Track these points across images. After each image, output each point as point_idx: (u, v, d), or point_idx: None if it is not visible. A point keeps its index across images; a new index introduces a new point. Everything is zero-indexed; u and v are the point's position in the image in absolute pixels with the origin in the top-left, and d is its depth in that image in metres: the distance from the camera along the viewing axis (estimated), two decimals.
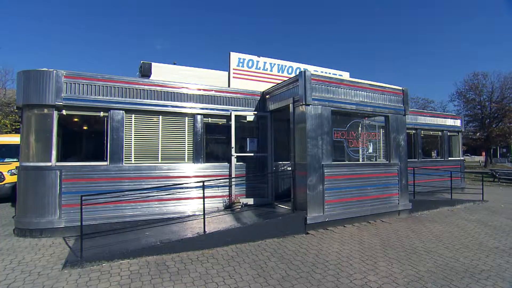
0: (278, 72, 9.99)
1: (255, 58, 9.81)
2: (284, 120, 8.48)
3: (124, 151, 6.55)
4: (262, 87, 8.82)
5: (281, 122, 8.54)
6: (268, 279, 4.31)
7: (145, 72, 8.32)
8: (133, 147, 6.70)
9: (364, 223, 7.31)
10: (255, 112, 7.97)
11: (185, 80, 8.08)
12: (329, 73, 10.85)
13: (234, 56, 9.45)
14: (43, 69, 6.15)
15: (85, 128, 7.52)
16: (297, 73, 9.77)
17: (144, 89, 6.79)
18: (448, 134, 12.56)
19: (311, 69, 10.27)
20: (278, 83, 7.78)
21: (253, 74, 9.80)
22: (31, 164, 6.18)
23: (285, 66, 10.36)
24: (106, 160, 6.42)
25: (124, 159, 6.53)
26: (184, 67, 9.48)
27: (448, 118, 12.84)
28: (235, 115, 7.67)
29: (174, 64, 9.46)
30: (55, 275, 4.36)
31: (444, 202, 9.53)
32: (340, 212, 6.92)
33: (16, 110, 20.15)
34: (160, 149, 6.98)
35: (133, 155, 6.70)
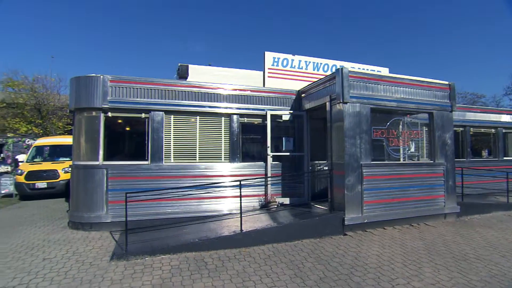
0: (314, 70, 9.82)
1: (289, 56, 9.73)
2: (320, 119, 8.32)
3: (164, 150, 6.85)
4: (297, 85, 8.73)
5: (317, 121, 8.39)
6: (306, 280, 4.26)
7: (182, 74, 8.62)
8: (172, 147, 6.99)
9: (406, 225, 6.95)
10: (291, 111, 7.92)
11: (221, 80, 8.26)
12: (367, 70, 10.46)
13: (269, 56, 9.45)
14: (92, 75, 6.61)
15: (127, 129, 7.96)
16: (333, 70, 9.55)
17: (181, 91, 7.04)
18: (503, 131, 11.50)
19: (348, 66, 9.96)
20: (314, 81, 7.66)
21: (288, 73, 9.74)
22: (82, 163, 6.69)
23: (321, 63, 10.16)
24: (148, 160, 6.76)
25: (164, 159, 6.83)
26: (220, 68, 9.67)
27: (504, 113, 11.74)
28: (271, 115, 7.68)
29: (209, 65, 9.70)
30: (104, 266, 4.68)
31: (498, 206, 8.75)
32: (379, 214, 6.65)
33: (69, 113, 21.82)
34: (197, 148, 7.20)
35: (172, 154, 6.98)
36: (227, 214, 7.06)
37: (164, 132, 6.88)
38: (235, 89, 7.52)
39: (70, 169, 11.11)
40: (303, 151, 7.88)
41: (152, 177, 6.68)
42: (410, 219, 7.02)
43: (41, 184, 11.08)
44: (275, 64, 9.51)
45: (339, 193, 6.49)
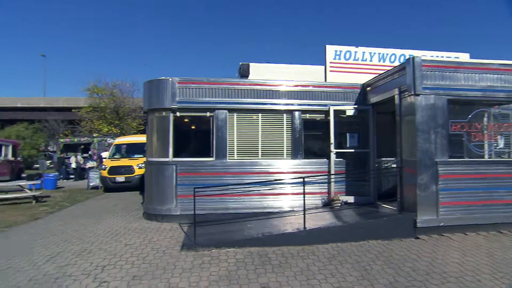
0: (379, 61, 9.24)
1: (352, 49, 9.31)
2: (387, 113, 7.80)
3: (227, 147, 7.12)
4: (361, 79, 8.30)
5: (384, 116, 7.87)
6: (374, 283, 4.04)
7: (244, 73, 8.84)
8: (235, 144, 7.23)
9: (494, 232, 6.12)
10: (355, 106, 7.57)
11: (281, 77, 8.25)
12: (442, 57, 9.46)
13: (330, 49, 9.16)
14: (162, 78, 7.17)
15: (193, 127, 8.46)
16: (402, 60, 8.86)
17: (244, 89, 7.22)
18: None
19: (419, 54, 9.14)
20: (381, 73, 7.20)
21: (351, 66, 9.33)
22: (154, 159, 7.31)
23: (387, 54, 9.52)
24: (212, 156, 7.10)
25: (227, 155, 7.10)
26: (280, 65, 9.69)
27: None
28: (334, 110, 7.43)
29: (267, 63, 9.77)
30: (176, 255, 5.06)
31: None
32: (459, 217, 5.98)
33: (141, 115, 24.05)
34: (260, 145, 7.33)
35: (235, 151, 7.22)
36: (288, 211, 7.05)
37: (227, 129, 7.15)
38: (297, 85, 7.45)
39: (143, 165, 12.27)
40: (368, 147, 7.47)
41: (217, 173, 6.99)
42: (498, 225, 6.17)
43: (120, 179, 12.45)
44: (337, 57, 9.19)
45: (410, 192, 6.01)
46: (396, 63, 8.73)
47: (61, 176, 18.09)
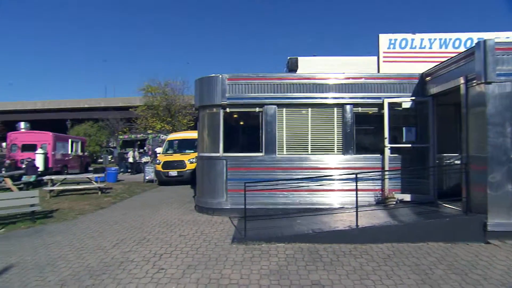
0: (440, 48, 8.47)
1: (409, 36, 8.67)
2: (449, 104, 7.19)
3: (276, 143, 7.13)
4: (419, 69, 7.69)
5: (445, 107, 7.26)
6: None
7: (292, 67, 8.74)
8: (284, 139, 7.20)
9: None
10: (412, 98, 7.06)
11: (331, 70, 8.00)
12: None
13: (384, 38, 8.63)
14: (212, 75, 7.39)
15: (243, 123, 8.59)
16: (468, 46, 8.05)
17: (292, 83, 7.14)
18: None
19: (491, 36, 8.19)
20: (443, 61, 6.60)
21: (407, 55, 8.70)
22: (205, 154, 7.60)
23: (450, 39, 8.67)
24: (262, 152, 7.16)
25: (277, 151, 7.11)
26: (329, 57, 9.39)
27: None
28: (388, 103, 7.02)
29: (314, 56, 9.53)
30: (227, 247, 5.22)
31: None
32: None
33: (192, 111, 25.17)
34: (309, 140, 7.22)
35: (285, 146, 7.20)
36: (339, 208, 6.87)
37: (277, 125, 7.15)
38: (348, 78, 7.17)
39: (194, 160, 12.83)
40: (427, 142, 6.93)
41: (266, 168, 7.05)
42: None
43: (173, 173, 13.18)
44: (392, 46, 8.64)
45: (479, 192, 5.45)
46: (462, 49, 7.93)
47: (121, 170, 19.73)
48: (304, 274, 4.19)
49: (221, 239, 5.63)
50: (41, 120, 40.01)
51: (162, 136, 20.12)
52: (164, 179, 13.39)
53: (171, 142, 15.27)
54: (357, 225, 5.40)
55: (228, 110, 7.34)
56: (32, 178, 13.26)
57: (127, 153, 20.50)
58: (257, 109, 7.25)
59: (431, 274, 4.15)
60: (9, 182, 11.96)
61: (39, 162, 15.65)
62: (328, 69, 8.21)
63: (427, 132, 6.96)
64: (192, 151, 13.76)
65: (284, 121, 7.23)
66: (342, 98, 7.12)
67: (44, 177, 12.92)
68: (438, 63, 6.75)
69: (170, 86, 28.15)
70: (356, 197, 5.56)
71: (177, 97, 27.81)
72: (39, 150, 16.56)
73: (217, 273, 4.26)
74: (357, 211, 5.49)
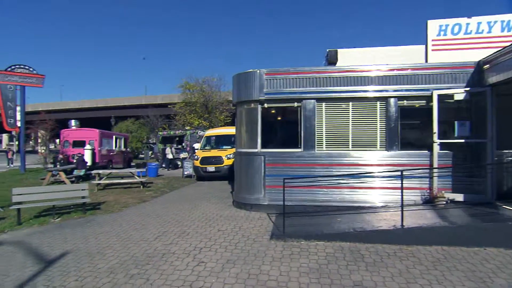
0: (502, 31, 7.72)
1: (463, 20, 8.03)
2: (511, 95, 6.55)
3: (316, 138, 7.02)
4: (474, 56, 7.13)
5: (507, 98, 6.63)
6: None
7: (332, 60, 8.53)
8: (324, 134, 7.06)
9: None
10: (467, 89, 6.54)
11: (373, 61, 7.70)
12: None
13: (433, 25, 8.09)
14: (250, 70, 7.43)
15: (280, 118, 8.56)
16: None
17: (332, 77, 6.97)
18: None
19: None
20: (506, 46, 6.00)
21: (460, 41, 8.09)
22: (243, 150, 7.69)
23: None
24: (300, 147, 7.09)
25: (316, 146, 7.00)
26: (371, 48, 9.03)
27: None
28: (438, 95, 6.58)
29: (354, 47, 9.19)
30: (265, 244, 5.26)
31: None
32: None
33: (228, 108, 25.72)
34: (350, 136, 7.00)
35: (324, 142, 7.06)
36: (381, 207, 6.61)
37: (316, 120, 7.03)
38: (392, 69, 6.82)
39: (231, 155, 13.06)
40: (485, 137, 6.39)
41: (305, 164, 6.97)
42: None
43: (211, 168, 13.51)
44: (442, 33, 8.08)
45: None
46: None
47: (163, 165, 20.68)
48: (345, 274, 4.10)
49: (259, 235, 5.68)
50: (89, 118, 43.19)
51: (199, 132, 20.70)
52: (202, 175, 13.78)
53: (208, 138, 15.66)
54: (402, 225, 5.16)
55: (266, 105, 7.35)
56: (82, 172, 14.38)
57: (165, 149, 21.40)
58: (295, 104, 7.17)
59: (490, 282, 3.85)
60: (63, 176, 13.07)
61: (88, 157, 16.89)
62: (369, 61, 7.91)
63: (484, 126, 6.42)
64: (230, 147, 14.01)
65: (324, 116, 7.08)
66: (386, 91, 6.80)
67: (92, 171, 13.95)
68: (500, 49, 6.15)
69: (207, 82, 28.89)
70: (402, 195, 5.30)
71: (214, 93, 28.48)
72: (87, 146, 17.88)
73: (256, 269, 4.31)
74: (402, 210, 5.25)
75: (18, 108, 19.81)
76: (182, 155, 19.39)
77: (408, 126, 6.98)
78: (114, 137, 21.92)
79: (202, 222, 6.66)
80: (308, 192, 6.92)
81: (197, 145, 17.35)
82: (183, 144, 21.75)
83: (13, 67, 19.04)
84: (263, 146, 7.36)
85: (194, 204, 8.57)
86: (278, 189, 6.85)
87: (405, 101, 6.82)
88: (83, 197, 7.99)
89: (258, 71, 7.27)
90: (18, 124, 20.03)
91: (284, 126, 7.88)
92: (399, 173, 5.57)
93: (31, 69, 19.43)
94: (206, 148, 15.03)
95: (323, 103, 7.05)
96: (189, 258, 4.75)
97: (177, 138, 22.73)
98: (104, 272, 4.36)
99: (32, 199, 7.68)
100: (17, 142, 39.17)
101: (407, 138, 6.94)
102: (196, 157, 14.32)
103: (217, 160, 13.51)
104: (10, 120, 20.06)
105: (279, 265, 4.41)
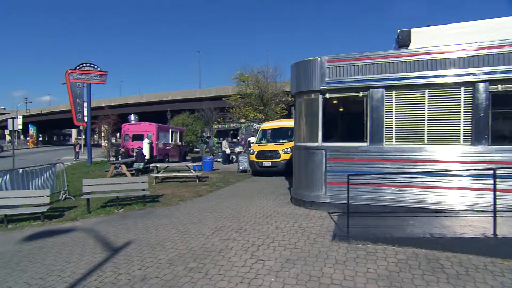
0: None
1: None
2: None
3: (384, 131, 6.63)
4: None
5: None
6: None
7: (404, 42, 7.94)
8: (393, 126, 6.63)
9: None
10: None
11: (454, 41, 6.97)
12: None
13: None
14: (310, 58, 7.28)
15: (343, 109, 8.26)
16: None
17: (404, 61, 6.48)
18: None
19: None
20: None
21: None
22: (303, 144, 7.61)
23: None
24: (366, 141, 6.77)
25: (384, 140, 6.62)
26: (451, 25, 8.24)
27: None
28: None
29: (429, 25, 8.44)
30: (327, 244, 5.16)
31: None
32: None
33: (284, 99, 25.62)
34: (425, 128, 6.46)
35: (394, 135, 6.63)
36: (464, 210, 6.02)
37: (384, 110, 6.63)
38: (481, 47, 6.06)
39: (289, 150, 13.05)
40: None
41: (371, 159, 6.65)
42: None
43: (267, 163, 13.66)
44: None
45: None
46: None
47: (218, 159, 21.51)
48: (421, 285, 3.83)
49: (320, 235, 5.60)
50: (146, 112, 46.64)
51: (255, 125, 21.02)
52: (258, 169, 14.01)
53: (264, 132, 15.82)
54: (495, 233, 4.64)
55: (327, 95, 7.14)
56: (141, 165, 15.61)
57: (221, 143, 22.15)
58: (361, 93, 6.85)
59: None
60: (124, 168, 14.35)
61: (146, 151, 18.26)
62: (450, 41, 7.18)
63: None
64: (287, 141, 14.01)
65: (394, 105, 6.63)
66: (473, 74, 6.09)
67: (150, 165, 15.07)
68: None
69: (262, 73, 29.13)
70: (494, 198, 4.75)
71: (270, 84, 28.60)
72: (145, 140, 19.34)
73: (317, 271, 4.26)
74: (495, 216, 4.71)
75: (85, 104, 22.21)
76: (237, 149, 19.90)
77: (502, 116, 6.19)
78: (170, 130, 23.35)
79: (259, 219, 6.78)
80: (374, 191, 6.60)
81: (252, 139, 17.66)
82: (238, 137, 22.28)
83: (80, 66, 21.37)
84: (324, 140, 7.19)
85: (250, 200, 8.76)
86: (341, 187, 6.66)
87: (499, 85, 6.00)
88: (143, 190, 8.68)
89: (319, 58, 7.09)
90: (85, 119, 22.48)
91: (348, 118, 7.59)
92: (490, 171, 5.00)
93: (95, 66, 21.60)
94: (262, 142, 15.22)
95: (393, 92, 6.60)
96: (247, 254, 4.87)
97: (231, 132, 23.36)
98: (165, 263, 4.68)
99: (99, 190, 8.59)
100: (84, 136, 44.10)
101: (500, 131, 6.16)
102: (251, 151, 14.59)
103: (274, 154, 13.59)
104: (79, 116, 22.62)
105: (343, 269, 4.30)
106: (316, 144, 7.22)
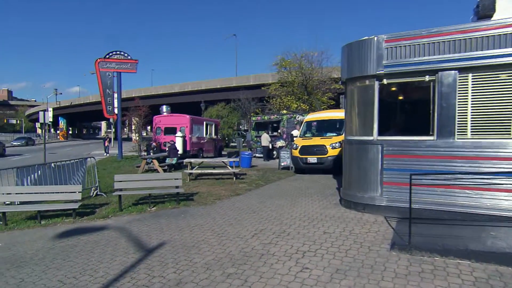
0: None
1: None
2: None
3: (456, 122, 6.18)
4: None
5: None
6: None
7: (486, 11, 7.31)
8: (469, 117, 6.13)
9: None
10: None
11: None
12: None
13: None
14: (364, 38, 7.00)
15: (401, 97, 7.90)
16: None
17: (486, 36, 5.89)
18: None
19: None
20: None
21: None
22: (355, 138, 7.39)
23: None
24: (432, 134, 6.40)
25: (456, 133, 6.18)
26: None
27: None
28: None
29: None
30: (384, 255, 4.97)
31: None
32: None
33: (333, 87, 25.00)
34: None
35: (469, 127, 6.15)
36: None
37: (457, 97, 6.16)
38: None
39: (337, 144, 12.79)
40: None
41: (438, 156, 6.27)
42: None
43: (312, 159, 13.49)
44: None
45: None
46: None
47: (259, 155, 21.65)
48: None
49: (375, 243, 5.42)
50: (179, 103, 48.07)
51: (298, 117, 20.83)
52: (301, 167, 13.90)
53: (309, 124, 15.63)
54: None
55: (385, 81, 6.83)
56: (173, 160, 16.16)
57: (259, 136, 22.22)
58: (427, 78, 6.45)
59: None
60: (156, 164, 14.94)
61: (179, 145, 18.83)
62: None
63: None
64: (335, 134, 13.75)
65: (470, 91, 6.14)
66: None
67: (183, 160, 15.53)
68: None
69: (306, 58, 28.66)
70: None
71: (315, 70, 28.10)
72: (178, 133, 19.92)
73: (373, 285, 4.12)
74: None
75: (115, 95, 23.37)
76: (278, 144, 19.84)
77: None
78: (204, 123, 23.88)
79: (304, 222, 6.72)
80: (442, 193, 6.23)
81: (295, 132, 17.53)
82: (279, 131, 22.20)
83: (110, 54, 22.46)
84: (380, 133, 6.92)
85: (293, 201, 8.72)
86: (401, 187, 6.40)
87: None
88: (176, 187, 8.95)
89: (375, 37, 6.80)
90: (116, 111, 23.66)
91: (409, 108, 7.27)
92: None
93: (126, 54, 22.59)
94: (306, 135, 15.05)
95: (470, 74, 6.10)
96: (291, 262, 4.84)
97: (272, 124, 23.32)
98: (201, 267, 4.79)
99: (130, 186, 9.00)
100: (113, 130, 46.58)
101: None
102: (294, 146, 14.48)
103: (320, 149, 13.39)
104: (109, 108, 23.89)
105: (404, 284, 4.12)
106: (370, 138, 6.97)
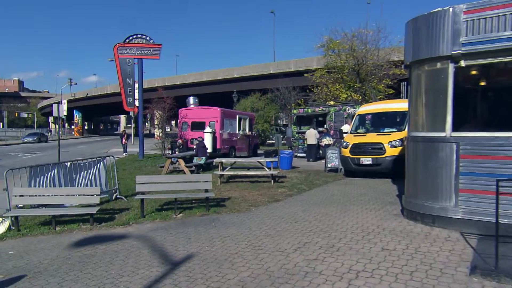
0: None
1: None
2: None
3: None
4: None
5: None
6: None
7: None
8: None
9: None
10: None
11: None
12: None
13: None
14: (435, 10, 6.69)
15: (482, 83, 7.51)
16: None
17: None
18: None
19: None
20: None
21: None
22: (421, 134, 7.12)
23: None
24: None
25: None
26: None
27: None
28: None
29: None
30: (462, 280, 4.72)
31: None
32: None
33: (399, 71, 24.09)
34: None
35: None
36: None
37: None
38: None
39: (398, 142, 12.41)
40: None
41: None
42: None
43: (366, 160, 13.20)
44: None
45: None
46: None
47: (301, 154, 21.57)
48: None
49: (449, 265, 5.17)
50: (208, 94, 48.88)
51: (348, 109, 20.48)
52: (353, 168, 13.69)
53: (362, 117, 15.34)
54: None
55: (462, 63, 6.48)
56: (202, 160, 16.41)
57: (302, 132, 22.05)
58: None
59: None
60: (182, 164, 15.22)
61: (208, 143, 19.05)
62: None
63: None
64: (394, 130, 13.41)
65: None
66: None
67: (213, 160, 15.72)
68: None
69: (359, 37, 28.03)
70: None
71: (370, 52, 27.42)
72: (207, 129, 20.14)
73: None
74: None
75: (136, 85, 23.97)
76: (324, 141, 19.58)
77: None
78: (237, 117, 24.03)
79: (358, 235, 6.57)
80: None
81: (346, 127, 17.25)
82: (326, 126, 21.91)
83: (130, 38, 23.06)
84: (455, 128, 6.59)
85: (344, 209, 8.58)
86: (482, 196, 6.08)
87: None
88: (206, 191, 9.06)
89: (450, 9, 6.46)
90: (137, 103, 24.31)
91: (494, 96, 6.89)
92: None
93: (148, 38, 23.13)
94: (359, 131, 14.80)
95: None
96: (342, 283, 4.73)
97: (316, 118, 23.05)
98: (235, 285, 4.79)
99: (153, 189, 9.21)
100: (134, 125, 48.05)
101: None
102: (344, 144, 14.26)
103: (376, 148, 13.09)
104: (129, 99, 24.58)
105: None
106: (442, 134, 6.66)
